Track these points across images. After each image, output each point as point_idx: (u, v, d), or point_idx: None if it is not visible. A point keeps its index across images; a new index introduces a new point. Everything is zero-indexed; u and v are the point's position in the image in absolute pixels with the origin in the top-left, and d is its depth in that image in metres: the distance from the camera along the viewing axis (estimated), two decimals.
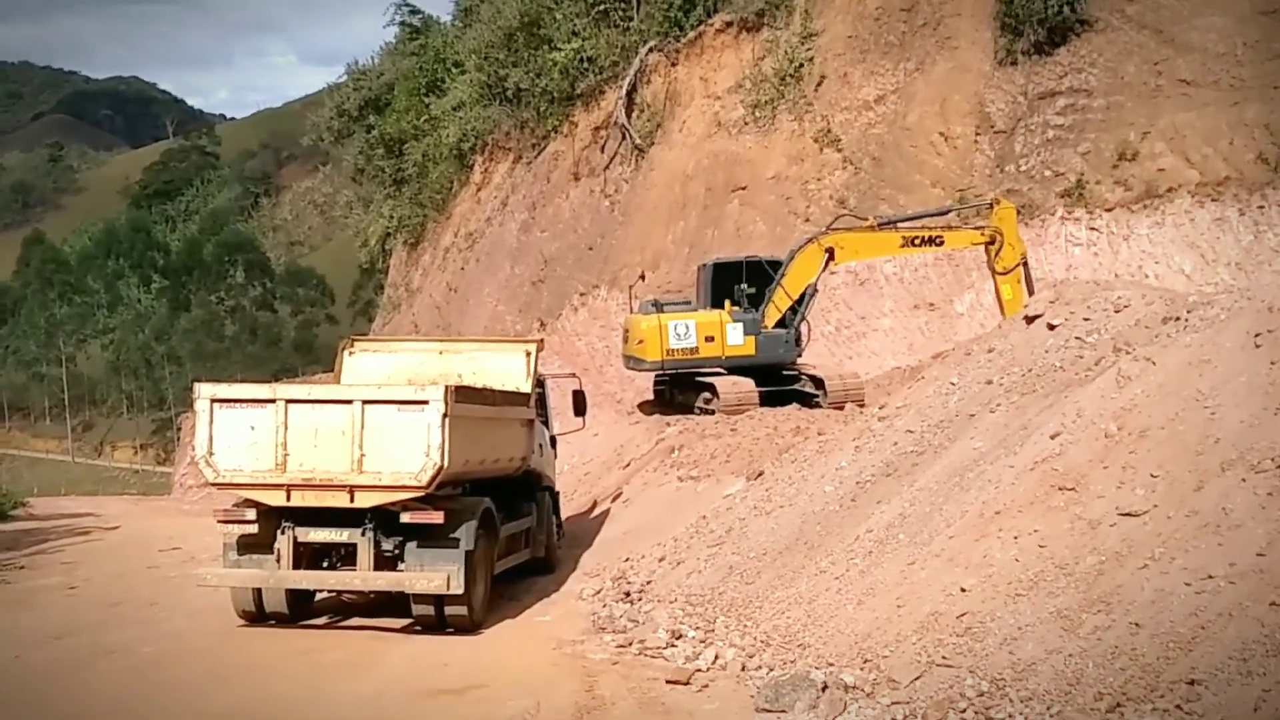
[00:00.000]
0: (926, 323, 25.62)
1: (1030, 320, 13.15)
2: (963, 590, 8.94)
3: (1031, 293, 20.03)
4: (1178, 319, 10.85)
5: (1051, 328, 12.52)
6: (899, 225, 21.86)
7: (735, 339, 21.59)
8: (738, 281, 21.77)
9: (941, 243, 21.65)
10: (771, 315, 21.45)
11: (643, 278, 26.51)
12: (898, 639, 8.96)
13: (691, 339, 21.63)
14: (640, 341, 22.14)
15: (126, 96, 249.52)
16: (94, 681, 10.09)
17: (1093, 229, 24.53)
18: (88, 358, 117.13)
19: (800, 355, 22.20)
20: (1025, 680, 7.77)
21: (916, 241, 21.43)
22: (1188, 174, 23.78)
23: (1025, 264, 20.91)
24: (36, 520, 22.59)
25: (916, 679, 8.45)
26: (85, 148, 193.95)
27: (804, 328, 22.07)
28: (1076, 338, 11.96)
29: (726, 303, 21.79)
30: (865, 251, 22.28)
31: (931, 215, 22.42)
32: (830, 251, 21.06)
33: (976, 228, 21.50)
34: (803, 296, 21.50)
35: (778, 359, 21.77)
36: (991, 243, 20.82)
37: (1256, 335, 9.27)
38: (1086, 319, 12.20)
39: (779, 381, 21.76)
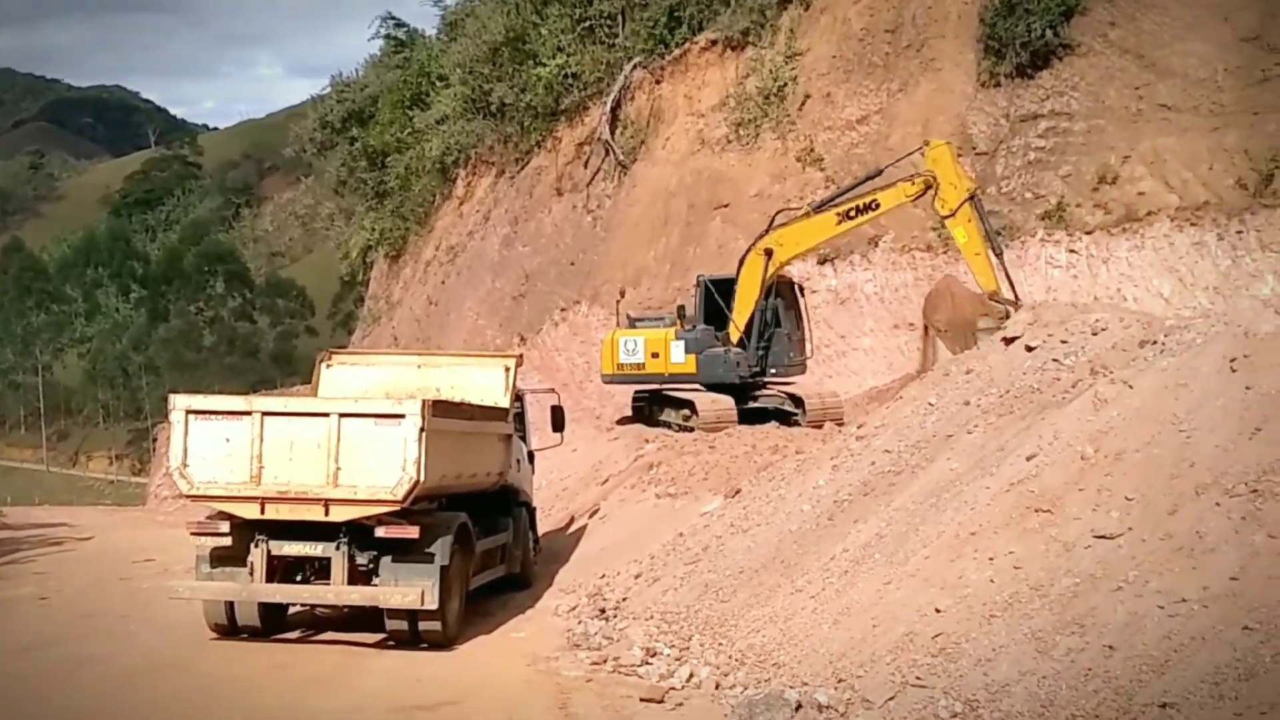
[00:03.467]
0: (907, 342, 25.61)
1: (1008, 342, 13.22)
2: (938, 611, 8.96)
3: (1008, 273, 19.62)
4: (1155, 342, 10.93)
5: (1029, 349, 12.58)
6: (834, 203, 20.86)
7: (677, 357, 21.75)
8: (714, 299, 21.76)
9: (877, 206, 20.13)
10: (734, 332, 21.31)
11: (622, 294, 26.52)
12: (872, 659, 8.96)
13: (639, 355, 22.05)
14: (601, 356, 22.73)
15: (108, 105, 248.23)
16: (65, 695, 9.96)
17: (1072, 251, 24.62)
18: (64, 366, 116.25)
19: (753, 376, 21.52)
20: (999, 701, 7.78)
21: (852, 214, 20.26)
22: (1167, 198, 23.90)
23: (975, 198, 19.43)
24: (9, 529, 22.37)
25: (891, 699, 8.45)
26: (66, 156, 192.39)
27: (787, 341, 21.88)
28: (1054, 360, 12.01)
29: (678, 321, 21.96)
30: (804, 240, 21.16)
31: (863, 183, 21.07)
32: (768, 252, 20.64)
33: (907, 179, 19.93)
34: (765, 311, 21.17)
35: (717, 379, 21.44)
36: (929, 189, 19.44)
37: (1232, 360, 9.33)
38: (1064, 341, 12.26)
39: (756, 400, 21.75)
